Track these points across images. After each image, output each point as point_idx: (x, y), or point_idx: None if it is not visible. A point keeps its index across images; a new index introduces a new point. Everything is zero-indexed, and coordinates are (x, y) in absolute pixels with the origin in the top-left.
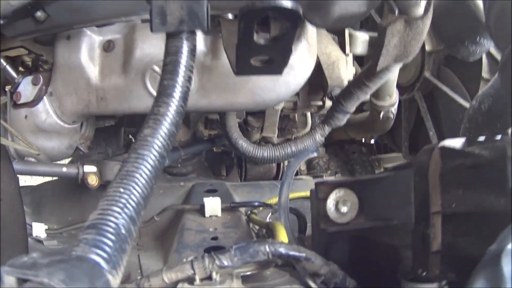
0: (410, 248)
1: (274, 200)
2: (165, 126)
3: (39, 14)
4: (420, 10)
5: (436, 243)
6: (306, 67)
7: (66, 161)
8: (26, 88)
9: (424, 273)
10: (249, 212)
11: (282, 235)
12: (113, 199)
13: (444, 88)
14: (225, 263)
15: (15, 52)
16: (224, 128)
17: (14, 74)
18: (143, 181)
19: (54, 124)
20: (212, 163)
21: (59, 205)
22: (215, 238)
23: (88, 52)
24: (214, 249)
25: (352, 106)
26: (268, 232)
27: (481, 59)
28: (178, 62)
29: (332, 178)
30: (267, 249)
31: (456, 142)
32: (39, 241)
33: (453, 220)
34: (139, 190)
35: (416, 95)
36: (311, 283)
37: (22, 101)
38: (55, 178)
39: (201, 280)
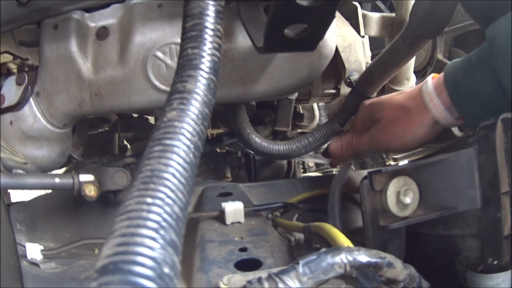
0: (471, 236)
1: (295, 200)
2: (196, 106)
3: None
4: None
5: (507, 226)
6: (330, 46)
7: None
8: (10, 89)
9: (495, 262)
10: (271, 215)
11: (342, 238)
12: (139, 216)
13: None
14: (292, 285)
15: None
16: (235, 124)
17: None
18: (178, 184)
19: (43, 128)
20: (216, 164)
21: (54, 221)
22: (244, 249)
23: (78, 42)
24: (247, 262)
25: (373, 91)
26: (310, 238)
27: None
28: (203, 26)
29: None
30: (345, 260)
31: None
32: (34, 264)
33: None
34: (175, 198)
35: None
36: None
37: (5, 104)
38: (48, 191)
39: None
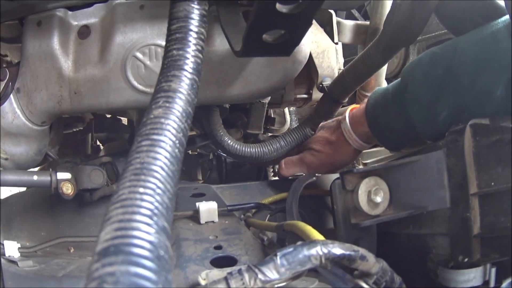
0: (441, 235)
1: (266, 201)
2: (180, 105)
3: None
4: None
5: (476, 226)
6: (305, 52)
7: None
8: None
9: (466, 259)
10: (243, 215)
11: (315, 234)
12: (134, 204)
13: None
14: (271, 276)
15: None
16: (208, 126)
17: None
18: (166, 176)
19: (22, 125)
20: (188, 166)
21: (30, 219)
22: (219, 248)
23: (61, 39)
24: (222, 260)
25: (345, 96)
26: (283, 236)
27: None
28: (188, 28)
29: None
30: (320, 252)
31: (483, 121)
32: (12, 261)
33: (493, 199)
34: (164, 189)
35: None
36: (364, 284)
37: None
38: (23, 189)
39: None
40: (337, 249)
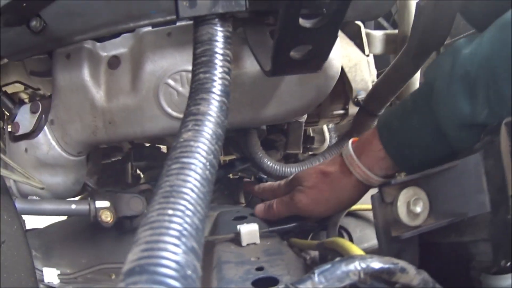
0: (483, 241)
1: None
2: (210, 127)
3: (34, 22)
4: None
5: None
6: (336, 67)
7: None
8: (24, 118)
9: (508, 263)
10: (286, 236)
11: (354, 248)
12: (162, 226)
13: None
14: None
15: (11, 88)
16: (247, 149)
17: (10, 104)
18: (197, 198)
19: (58, 156)
20: (230, 190)
21: (70, 247)
22: (260, 269)
23: (91, 71)
24: (264, 281)
25: (381, 108)
26: (325, 254)
27: None
28: (213, 51)
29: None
30: (359, 267)
31: None
32: None
33: None
34: (194, 210)
35: None
36: None
37: (20, 132)
38: (63, 218)
39: None
40: (376, 263)
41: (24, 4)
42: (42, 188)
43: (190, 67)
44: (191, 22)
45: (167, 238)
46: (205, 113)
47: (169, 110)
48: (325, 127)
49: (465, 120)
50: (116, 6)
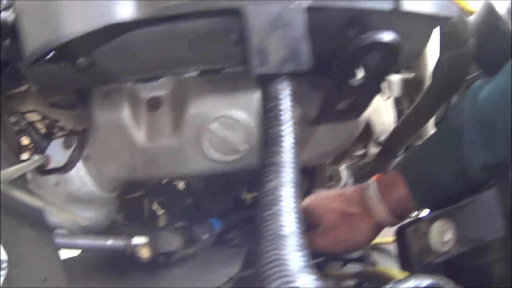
0: (498, 261)
1: None
2: (287, 174)
3: (81, 60)
4: (470, 45)
5: None
6: (366, 112)
7: None
8: (57, 152)
9: None
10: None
11: (400, 273)
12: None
13: None
14: None
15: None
16: None
17: (37, 135)
18: (298, 240)
19: (90, 192)
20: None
21: (95, 281)
22: None
23: (131, 111)
24: None
25: (401, 149)
26: (362, 283)
27: None
28: (282, 107)
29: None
30: (414, 284)
31: None
32: None
33: None
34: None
35: None
36: None
37: (52, 166)
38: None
39: None
40: (427, 280)
41: (78, 45)
42: (87, 225)
43: (232, 113)
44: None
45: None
46: (284, 163)
47: (211, 154)
48: (342, 167)
49: (487, 163)
50: (178, 51)
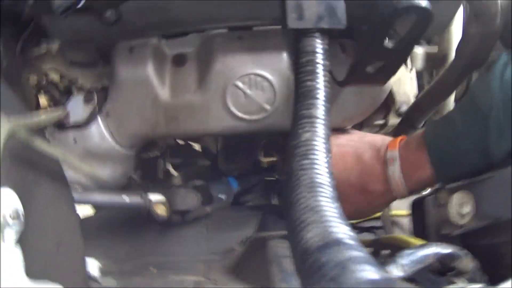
0: None
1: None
2: (323, 129)
3: (109, 13)
4: (497, 24)
5: None
6: (390, 81)
7: None
8: (76, 107)
9: None
10: None
11: (417, 240)
12: (324, 210)
13: None
14: (396, 273)
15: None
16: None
17: (57, 92)
18: (332, 188)
19: (110, 149)
20: (264, 192)
21: (107, 239)
22: None
23: (155, 67)
24: None
25: (422, 121)
26: (378, 250)
27: None
28: (316, 61)
29: None
30: (434, 251)
31: None
32: (93, 279)
33: None
34: (334, 196)
35: None
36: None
37: (70, 121)
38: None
39: None
40: (447, 249)
41: None
42: (106, 181)
43: (259, 71)
44: (262, 28)
45: (335, 219)
46: (318, 117)
47: (235, 111)
48: None
49: (510, 144)
50: (209, 6)
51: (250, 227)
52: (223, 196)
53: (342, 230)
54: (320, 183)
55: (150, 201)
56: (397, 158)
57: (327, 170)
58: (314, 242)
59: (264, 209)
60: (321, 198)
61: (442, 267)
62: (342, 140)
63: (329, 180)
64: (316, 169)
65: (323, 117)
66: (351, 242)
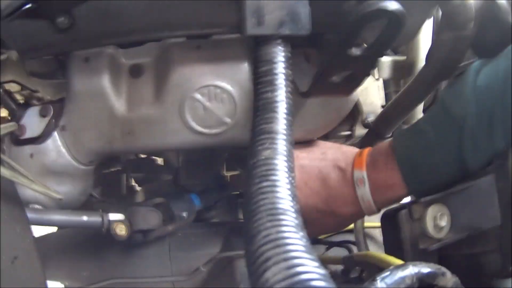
0: (493, 251)
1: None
2: (285, 145)
3: (62, 19)
4: (470, 28)
5: None
6: (356, 91)
7: None
8: (32, 121)
9: None
10: None
11: (395, 259)
12: (287, 243)
13: None
14: None
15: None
16: None
17: (13, 104)
18: (295, 215)
19: (67, 164)
20: (228, 207)
21: (70, 259)
22: None
23: (111, 77)
24: None
25: (389, 132)
26: (350, 268)
27: None
28: (277, 71)
29: None
30: (412, 272)
31: None
32: None
33: None
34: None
35: None
36: None
37: (26, 136)
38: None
39: None
40: (425, 268)
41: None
42: (61, 199)
43: (219, 82)
44: (221, 37)
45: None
46: (278, 132)
47: (193, 124)
48: None
49: (486, 154)
50: (164, 12)
51: (214, 245)
52: (185, 214)
53: (308, 269)
54: (282, 209)
55: (109, 220)
56: (366, 180)
57: (289, 192)
58: (275, 283)
59: (228, 226)
60: (283, 228)
61: (422, 286)
62: (304, 161)
63: (292, 204)
64: (277, 191)
65: (284, 132)
66: (320, 284)
